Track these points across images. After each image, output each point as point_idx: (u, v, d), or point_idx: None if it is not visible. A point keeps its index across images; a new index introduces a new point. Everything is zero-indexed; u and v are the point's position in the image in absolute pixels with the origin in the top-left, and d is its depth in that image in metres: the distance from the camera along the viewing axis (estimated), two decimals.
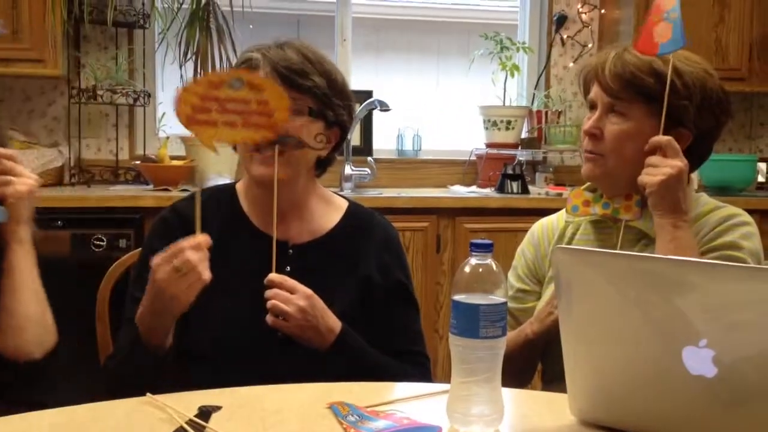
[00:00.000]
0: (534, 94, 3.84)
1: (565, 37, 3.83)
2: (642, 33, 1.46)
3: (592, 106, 1.56)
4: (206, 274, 1.27)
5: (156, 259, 1.27)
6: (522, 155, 3.62)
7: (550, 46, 3.85)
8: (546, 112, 3.75)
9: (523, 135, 3.77)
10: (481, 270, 1.09)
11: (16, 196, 1.31)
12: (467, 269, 1.09)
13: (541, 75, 3.85)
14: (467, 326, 1.07)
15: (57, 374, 1.32)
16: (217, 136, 1.28)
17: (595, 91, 1.55)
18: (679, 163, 1.43)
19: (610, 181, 1.54)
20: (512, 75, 3.70)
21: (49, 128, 3.42)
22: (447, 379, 1.14)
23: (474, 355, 1.07)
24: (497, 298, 1.08)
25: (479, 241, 1.11)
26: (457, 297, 1.08)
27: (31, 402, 1.30)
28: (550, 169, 3.72)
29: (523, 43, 3.79)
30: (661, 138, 1.45)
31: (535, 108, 3.79)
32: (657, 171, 1.43)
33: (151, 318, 1.35)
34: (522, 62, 3.83)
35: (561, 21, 3.80)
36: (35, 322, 1.31)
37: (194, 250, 1.25)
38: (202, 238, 1.27)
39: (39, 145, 3.26)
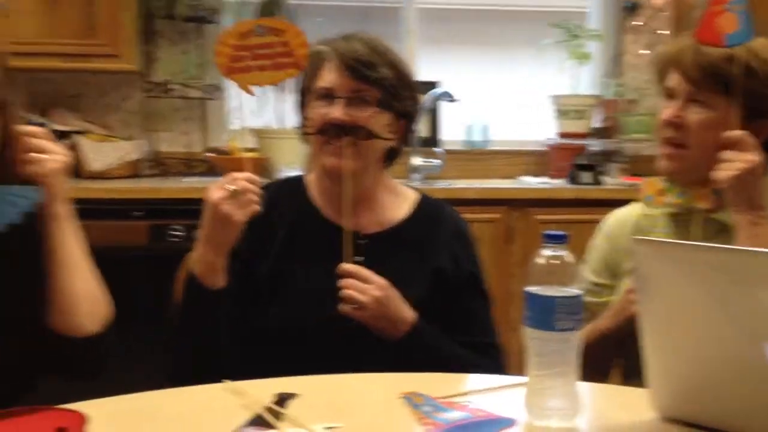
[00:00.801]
0: (606, 82, 3.76)
1: (637, 23, 3.74)
2: (703, 23, 1.41)
3: (670, 95, 1.52)
4: (256, 205, 1.37)
5: (211, 187, 1.38)
6: (594, 145, 3.56)
7: (622, 33, 3.76)
8: (619, 101, 3.67)
9: (595, 124, 3.70)
10: (555, 261, 1.08)
11: (48, 174, 1.27)
12: (541, 261, 1.08)
13: (613, 63, 3.77)
14: (541, 318, 1.05)
15: (114, 344, 1.34)
16: (252, 80, 1.44)
17: (674, 79, 1.51)
18: (754, 157, 1.38)
19: (691, 176, 1.49)
20: (583, 63, 3.63)
21: (125, 122, 3.51)
22: (519, 371, 1.13)
23: (549, 348, 1.06)
24: (572, 290, 1.06)
25: (553, 232, 1.09)
26: (530, 289, 1.07)
27: (90, 369, 1.35)
28: (625, 159, 3.64)
29: (594, 30, 3.72)
30: (734, 133, 1.40)
31: (607, 97, 3.72)
32: (730, 166, 1.39)
33: (204, 249, 1.39)
34: (593, 50, 3.76)
35: (633, 7, 3.72)
36: (85, 297, 1.30)
37: (247, 181, 1.37)
38: (255, 176, 1.40)
39: (116, 138, 3.35)
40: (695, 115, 1.47)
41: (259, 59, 1.43)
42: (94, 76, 3.45)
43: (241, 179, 1.38)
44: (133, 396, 1.18)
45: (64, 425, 0.81)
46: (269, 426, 1.06)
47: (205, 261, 1.40)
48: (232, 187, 1.36)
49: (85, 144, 3.19)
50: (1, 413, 0.82)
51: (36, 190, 1.26)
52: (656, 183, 1.54)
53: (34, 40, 3.07)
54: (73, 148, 3.20)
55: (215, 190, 1.38)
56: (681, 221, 1.55)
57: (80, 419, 0.82)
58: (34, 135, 1.28)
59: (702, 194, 1.48)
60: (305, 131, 1.54)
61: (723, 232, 1.49)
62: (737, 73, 1.41)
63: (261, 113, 3.31)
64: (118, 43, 3.13)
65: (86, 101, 3.48)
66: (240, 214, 1.36)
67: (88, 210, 2.80)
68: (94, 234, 2.97)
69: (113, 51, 3.14)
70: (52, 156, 1.28)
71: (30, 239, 1.28)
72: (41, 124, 1.32)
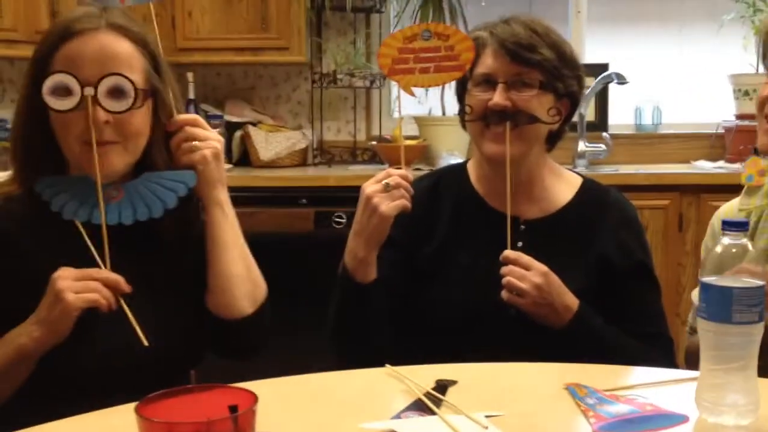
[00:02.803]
0: None
1: None
2: None
3: None
4: (406, 202, 1.38)
5: (368, 181, 1.41)
6: None
7: None
8: None
9: None
10: (734, 250, 1.01)
11: (203, 162, 1.29)
12: (719, 249, 1.02)
13: None
14: (718, 310, 1.00)
15: (267, 322, 1.37)
16: (415, 81, 1.47)
17: None
18: None
19: None
20: None
21: (294, 112, 3.63)
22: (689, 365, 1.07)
23: (726, 342, 1.00)
24: (753, 280, 1.00)
25: (733, 219, 1.03)
26: (707, 279, 1.01)
27: (245, 349, 1.40)
28: None
29: None
30: None
31: None
32: None
33: (355, 242, 1.43)
34: None
35: None
36: (242, 279, 1.33)
37: (402, 177, 1.39)
38: (409, 174, 1.42)
39: (286, 128, 3.48)
40: None
41: (422, 62, 1.46)
42: (265, 69, 3.59)
43: (396, 174, 1.40)
44: (300, 377, 1.23)
45: (236, 403, 0.85)
46: (429, 411, 1.06)
47: (356, 255, 1.43)
48: (386, 181, 1.39)
49: (257, 134, 3.33)
50: (178, 389, 0.87)
51: (192, 175, 1.29)
52: (759, 162, 1.42)
53: (211, 36, 3.25)
54: (246, 138, 3.35)
55: (370, 183, 1.41)
56: None
57: (251, 398, 0.86)
58: (189, 123, 1.31)
59: None
60: (466, 118, 1.53)
61: None
62: None
63: (423, 101, 3.33)
64: (288, 36, 3.25)
65: (259, 93, 3.63)
66: (389, 208, 1.38)
67: (259, 197, 2.97)
68: (263, 220, 3.11)
69: (284, 44, 3.26)
70: (206, 143, 1.30)
71: (186, 224, 1.33)
72: (195, 113, 1.37)
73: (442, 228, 1.55)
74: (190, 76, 3.34)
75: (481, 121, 1.49)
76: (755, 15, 3.34)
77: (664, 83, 3.65)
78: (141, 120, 1.26)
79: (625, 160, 3.46)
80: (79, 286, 1.16)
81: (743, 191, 1.55)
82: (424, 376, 1.18)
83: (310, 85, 3.53)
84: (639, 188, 2.89)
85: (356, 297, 1.45)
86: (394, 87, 3.52)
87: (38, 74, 1.23)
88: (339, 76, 3.34)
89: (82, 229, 1.24)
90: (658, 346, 1.49)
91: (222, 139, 1.35)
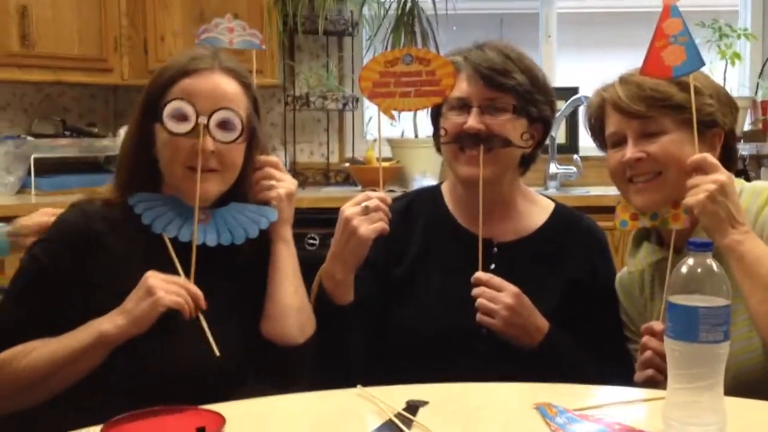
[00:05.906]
0: (758, 83, 3.56)
1: None
2: (648, 58, 1.40)
3: (618, 142, 1.46)
4: (385, 225, 1.39)
5: (347, 203, 1.42)
6: (745, 149, 3.37)
7: None
8: None
9: (746, 127, 3.51)
10: (699, 270, 1.03)
11: (277, 200, 1.42)
12: (684, 269, 1.04)
13: (766, 63, 3.56)
14: (685, 330, 1.01)
15: (312, 357, 1.42)
16: (395, 105, 1.48)
17: (617, 123, 1.45)
18: (720, 176, 1.31)
19: (670, 199, 1.41)
20: (732, 64, 3.45)
21: (268, 134, 3.62)
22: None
23: (692, 361, 1.01)
24: (719, 299, 1.01)
25: (698, 239, 1.05)
26: (673, 299, 1.03)
27: (288, 376, 1.41)
28: None
29: (745, 29, 3.52)
30: (695, 157, 1.34)
31: (759, 98, 3.51)
32: (699, 190, 1.31)
33: (333, 264, 1.43)
34: (744, 50, 3.56)
35: None
36: (296, 310, 1.40)
37: (381, 200, 1.40)
38: (387, 197, 1.43)
39: None
40: (656, 144, 1.41)
41: (403, 86, 1.47)
42: None
43: (375, 197, 1.40)
44: (270, 399, 1.22)
45: (204, 425, 0.85)
46: None
47: (334, 277, 1.43)
48: (365, 204, 1.39)
49: None
50: (148, 411, 0.87)
51: (273, 211, 1.42)
52: (630, 207, 1.48)
53: None
54: None
55: (349, 205, 1.41)
56: (663, 267, 1.43)
57: (219, 420, 0.86)
58: (270, 164, 1.44)
59: (674, 214, 1.41)
60: (440, 141, 1.55)
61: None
62: (680, 91, 1.41)
63: (396, 123, 3.34)
64: (262, 59, 3.25)
65: None
66: (368, 231, 1.38)
67: None
68: None
69: (257, 67, 3.23)
70: (282, 183, 1.44)
71: (261, 255, 1.42)
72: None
73: (414, 248, 1.56)
74: None
75: (455, 143, 1.51)
76: (720, 40, 3.41)
77: None
78: (239, 153, 1.39)
79: (595, 181, 3.49)
80: (169, 287, 1.26)
81: (627, 254, 1.58)
82: (395, 396, 1.18)
83: (283, 107, 3.53)
84: (609, 210, 2.90)
85: (334, 319, 1.45)
86: (368, 109, 3.55)
87: (153, 103, 1.36)
88: (312, 99, 3.35)
89: (169, 244, 1.35)
90: (625, 366, 1.50)
91: (296, 182, 1.46)
